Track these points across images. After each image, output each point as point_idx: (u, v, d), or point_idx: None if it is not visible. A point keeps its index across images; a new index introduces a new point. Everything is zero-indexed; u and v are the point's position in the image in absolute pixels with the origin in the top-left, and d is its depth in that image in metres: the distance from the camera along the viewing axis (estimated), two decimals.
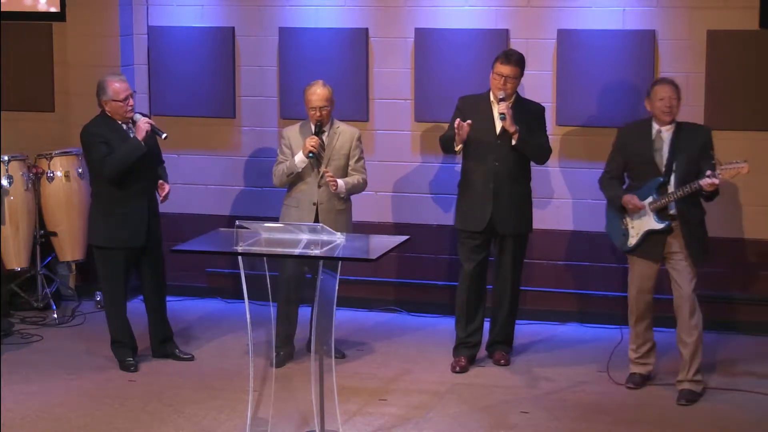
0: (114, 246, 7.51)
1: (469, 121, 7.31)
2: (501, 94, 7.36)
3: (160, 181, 7.58)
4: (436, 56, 8.52)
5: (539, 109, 7.61)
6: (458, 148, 7.40)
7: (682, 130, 7.04)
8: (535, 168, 7.67)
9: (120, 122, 7.50)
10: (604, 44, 8.24)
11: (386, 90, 8.70)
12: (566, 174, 8.42)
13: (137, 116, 7.52)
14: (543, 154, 7.57)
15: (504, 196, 7.47)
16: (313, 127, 7.52)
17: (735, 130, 8.13)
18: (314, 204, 7.53)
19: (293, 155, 7.53)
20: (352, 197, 7.72)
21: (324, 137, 7.53)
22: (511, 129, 7.34)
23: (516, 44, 8.29)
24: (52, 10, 9.17)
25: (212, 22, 8.95)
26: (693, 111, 8.06)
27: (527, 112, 7.50)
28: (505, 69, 7.38)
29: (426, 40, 8.55)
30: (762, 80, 8.03)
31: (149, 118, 7.66)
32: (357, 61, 8.69)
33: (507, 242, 7.58)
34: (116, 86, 7.46)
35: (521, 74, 7.46)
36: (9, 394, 7.07)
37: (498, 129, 7.43)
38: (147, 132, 7.44)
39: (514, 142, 7.37)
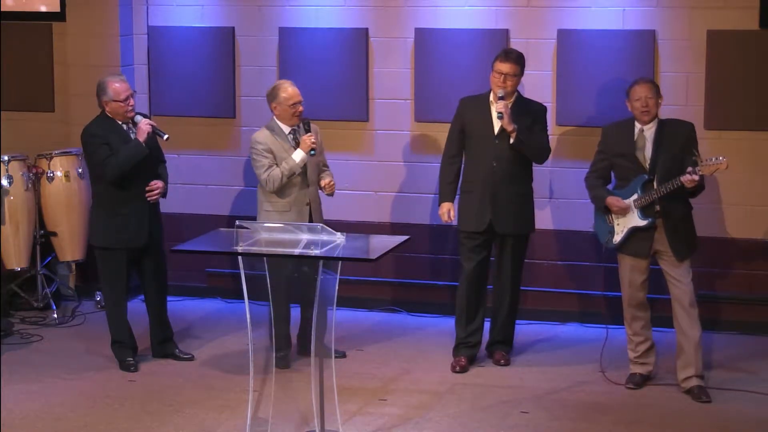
0: (116, 246, 7.50)
1: (451, 215, 7.53)
2: (500, 93, 7.36)
3: (153, 181, 7.55)
4: (436, 56, 8.52)
5: (541, 109, 7.61)
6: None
7: (665, 127, 7.07)
8: (535, 168, 7.67)
9: (120, 123, 7.50)
10: (604, 44, 8.24)
11: (386, 90, 8.70)
12: (566, 174, 8.42)
13: (138, 117, 7.51)
14: (542, 153, 7.56)
15: (503, 196, 7.46)
16: (284, 128, 7.52)
17: (735, 130, 8.13)
18: (307, 204, 7.55)
19: (276, 159, 7.50)
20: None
21: (298, 136, 7.54)
22: (509, 128, 7.33)
23: (516, 44, 8.29)
24: (53, 10, 9.18)
25: (212, 22, 8.95)
26: (693, 111, 8.06)
27: (528, 112, 7.49)
28: (504, 66, 7.37)
29: (426, 40, 8.55)
30: (762, 80, 8.03)
31: (150, 119, 7.66)
32: (357, 61, 8.69)
33: (507, 242, 7.57)
34: (116, 86, 7.45)
35: (521, 72, 7.45)
36: (9, 394, 7.07)
37: (496, 129, 7.43)
38: (148, 133, 7.43)
39: (511, 141, 7.37)
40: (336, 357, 7.44)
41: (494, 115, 7.39)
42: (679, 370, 7.09)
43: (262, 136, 7.56)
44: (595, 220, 7.29)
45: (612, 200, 7.10)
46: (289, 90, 7.51)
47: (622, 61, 8.20)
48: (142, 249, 7.57)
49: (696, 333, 7.01)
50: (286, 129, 7.54)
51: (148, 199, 7.50)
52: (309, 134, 7.46)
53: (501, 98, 7.35)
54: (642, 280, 7.14)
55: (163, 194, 7.62)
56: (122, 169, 7.37)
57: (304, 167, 7.50)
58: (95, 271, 7.92)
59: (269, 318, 7.51)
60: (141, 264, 7.65)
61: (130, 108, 7.48)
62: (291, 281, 7.63)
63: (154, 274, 7.68)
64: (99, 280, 7.78)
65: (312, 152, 7.43)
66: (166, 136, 7.54)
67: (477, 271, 7.57)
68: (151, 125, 7.49)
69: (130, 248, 7.53)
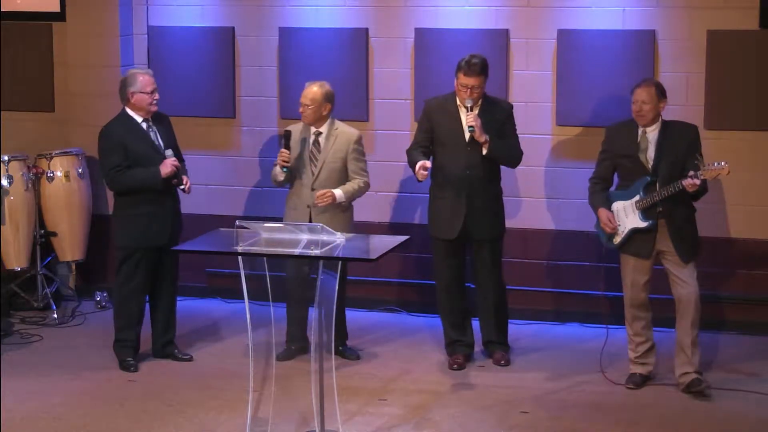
0: (140, 246, 7.48)
1: (427, 166, 7.20)
2: (468, 102, 7.32)
3: (184, 177, 7.55)
4: (436, 56, 8.52)
5: (507, 109, 7.55)
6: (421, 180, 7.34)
7: (668, 129, 7.06)
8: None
9: (140, 121, 7.49)
10: (604, 44, 8.24)
11: (386, 90, 8.70)
12: (566, 174, 8.41)
13: (169, 152, 7.48)
14: (514, 160, 7.55)
15: (477, 202, 7.44)
16: (312, 128, 7.54)
17: (735, 130, 8.13)
18: (308, 207, 7.54)
19: (291, 155, 7.55)
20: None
21: (321, 138, 7.54)
22: (481, 139, 7.30)
23: (516, 44, 8.29)
24: (53, 10, 9.18)
25: (212, 22, 8.96)
26: (693, 111, 8.06)
27: (495, 114, 7.44)
28: (469, 81, 7.30)
29: (426, 40, 8.55)
30: (762, 80, 8.03)
31: (178, 159, 7.57)
32: (357, 61, 8.69)
33: (483, 246, 7.55)
34: (145, 78, 7.49)
35: (486, 80, 7.38)
36: (9, 394, 7.07)
37: (467, 136, 7.37)
38: (171, 170, 7.40)
39: (484, 152, 7.34)
40: (351, 358, 7.65)
41: (464, 121, 7.33)
42: (678, 366, 7.10)
43: (296, 129, 7.65)
44: (598, 220, 7.28)
45: (603, 214, 7.11)
46: (307, 90, 7.55)
47: (622, 61, 8.20)
48: (162, 248, 7.53)
49: (696, 331, 7.02)
50: (284, 140, 7.58)
51: (185, 191, 7.53)
52: (281, 150, 7.51)
53: (469, 109, 7.30)
54: (645, 281, 7.14)
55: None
56: (130, 189, 7.40)
57: (304, 170, 7.53)
58: (95, 271, 7.91)
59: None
60: (158, 264, 7.62)
61: (154, 101, 7.50)
62: (309, 283, 7.59)
63: (169, 275, 7.67)
64: (117, 278, 7.63)
65: (284, 169, 7.47)
66: (182, 187, 7.51)
67: (454, 274, 7.56)
68: (176, 167, 7.46)
69: (153, 248, 7.51)
